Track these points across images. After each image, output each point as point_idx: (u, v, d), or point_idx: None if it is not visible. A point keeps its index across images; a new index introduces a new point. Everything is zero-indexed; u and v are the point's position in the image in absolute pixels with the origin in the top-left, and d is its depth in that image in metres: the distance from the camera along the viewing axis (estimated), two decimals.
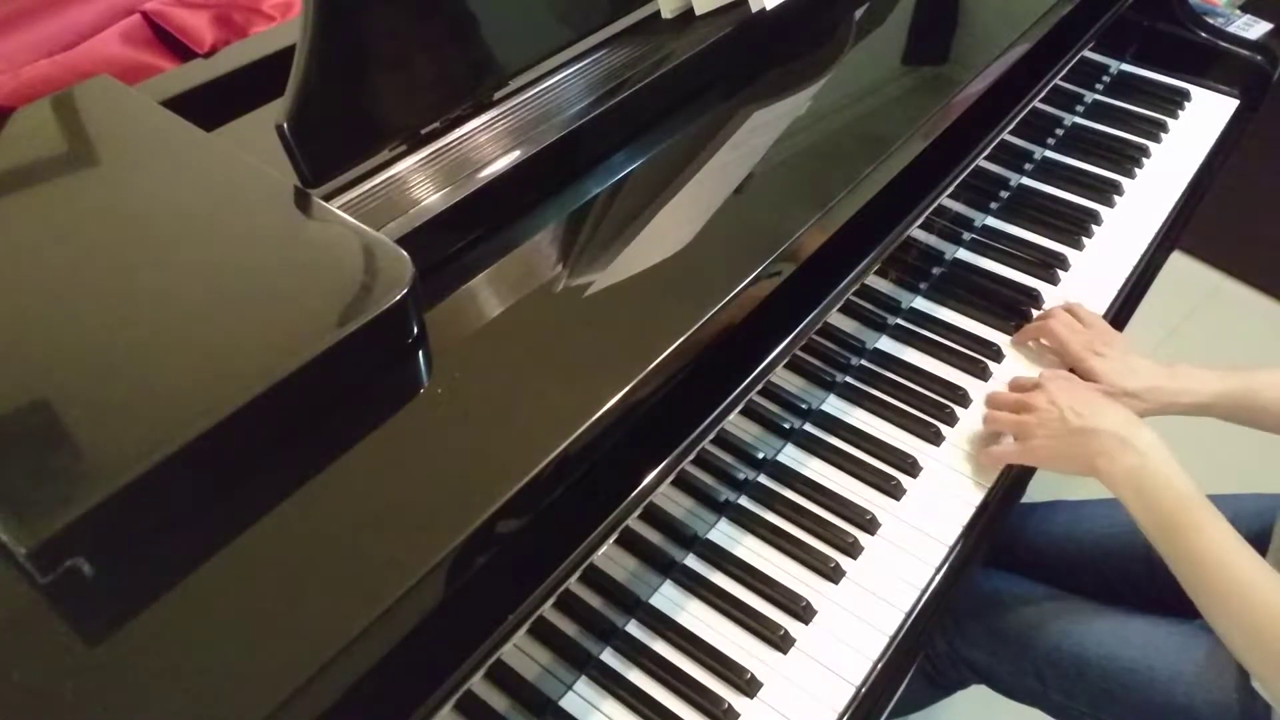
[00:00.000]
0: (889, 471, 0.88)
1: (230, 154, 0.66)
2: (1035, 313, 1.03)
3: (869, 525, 0.84)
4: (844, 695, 0.74)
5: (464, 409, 0.58)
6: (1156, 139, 1.26)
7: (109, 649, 0.46)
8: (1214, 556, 0.73)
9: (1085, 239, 1.13)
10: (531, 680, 0.69)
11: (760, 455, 0.87)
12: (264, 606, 0.48)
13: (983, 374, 0.98)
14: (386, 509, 0.53)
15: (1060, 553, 1.05)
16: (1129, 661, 0.89)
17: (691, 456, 0.70)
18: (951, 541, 0.84)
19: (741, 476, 0.85)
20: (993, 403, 0.92)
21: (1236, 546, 0.73)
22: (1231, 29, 1.47)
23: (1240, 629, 0.73)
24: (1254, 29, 1.66)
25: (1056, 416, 0.83)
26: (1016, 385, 0.93)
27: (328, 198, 0.68)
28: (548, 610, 0.62)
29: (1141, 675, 0.89)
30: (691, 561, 0.81)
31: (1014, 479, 0.90)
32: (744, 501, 0.85)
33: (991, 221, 1.14)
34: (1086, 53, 1.12)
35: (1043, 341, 0.99)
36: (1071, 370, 0.94)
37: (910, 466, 0.89)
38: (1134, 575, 0.99)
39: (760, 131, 0.81)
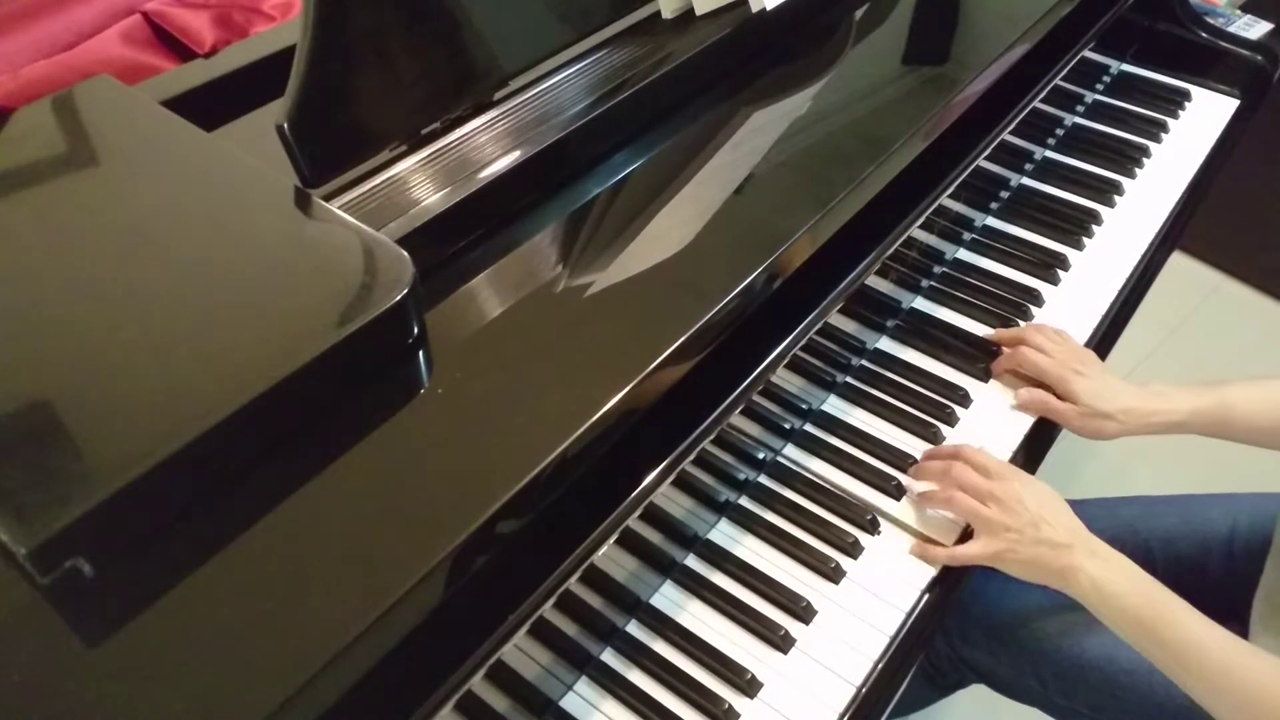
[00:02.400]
0: (889, 472, 0.88)
1: (230, 154, 0.66)
2: (1029, 319, 1.03)
3: (869, 525, 0.84)
4: (844, 695, 0.74)
5: (464, 409, 0.58)
6: (1157, 139, 1.26)
7: (109, 649, 0.46)
8: (1193, 645, 0.74)
9: (1085, 239, 1.13)
10: (531, 680, 0.69)
11: (761, 455, 0.87)
12: (264, 606, 0.48)
13: (983, 374, 0.98)
14: (386, 509, 0.53)
15: None
16: (1128, 663, 0.89)
17: (692, 456, 0.70)
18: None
19: (742, 476, 0.85)
20: (958, 478, 0.83)
21: (1210, 631, 0.74)
22: (1231, 29, 1.47)
23: (1234, 709, 0.73)
24: (1254, 29, 1.66)
25: (1028, 521, 0.79)
26: (972, 462, 0.85)
27: (328, 198, 0.68)
28: (548, 610, 0.62)
29: (1141, 676, 0.89)
30: (692, 561, 0.81)
31: None
32: (744, 501, 0.85)
33: (992, 221, 1.14)
34: (1087, 53, 1.12)
35: (1020, 369, 0.96)
36: (1052, 391, 0.94)
37: (911, 467, 0.89)
38: None
39: (760, 131, 0.81)
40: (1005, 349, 0.98)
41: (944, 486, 0.84)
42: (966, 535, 0.84)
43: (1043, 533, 0.79)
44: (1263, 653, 0.73)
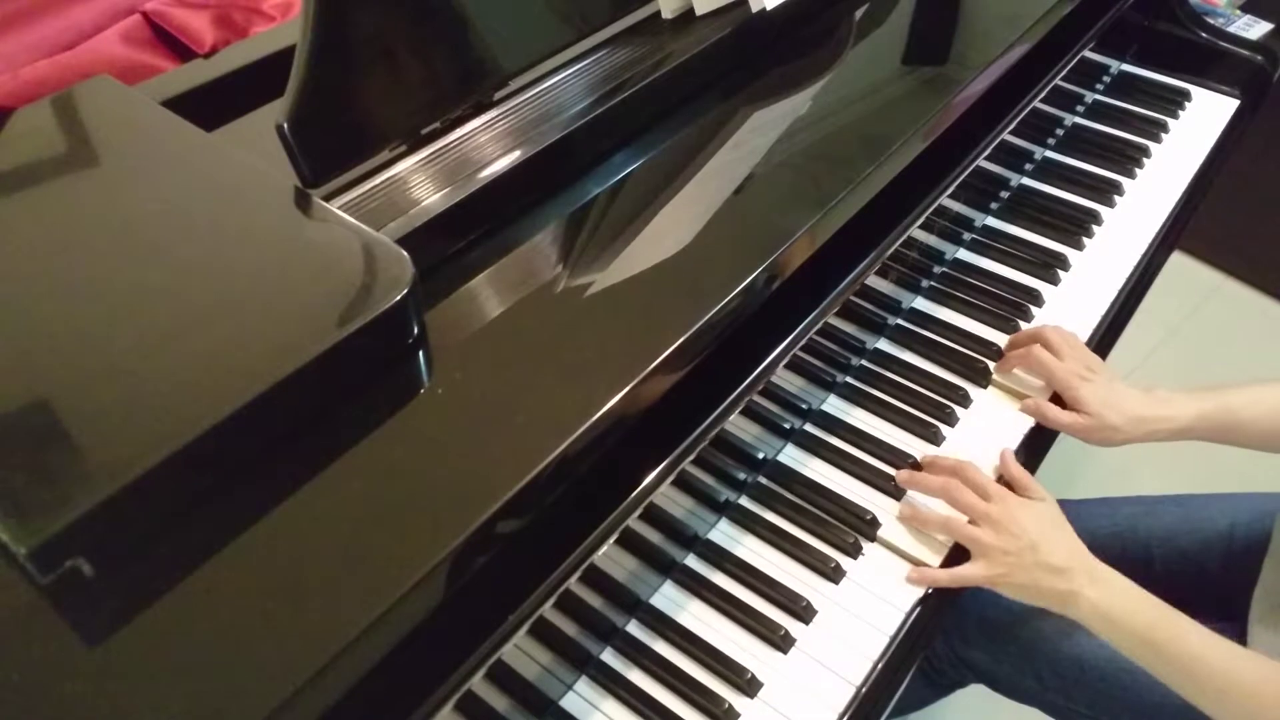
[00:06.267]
0: (889, 471, 0.88)
1: (230, 154, 0.66)
2: (1029, 322, 1.03)
3: (869, 525, 0.84)
4: (844, 695, 0.74)
5: (464, 409, 0.58)
6: (1157, 139, 1.26)
7: (109, 649, 0.46)
8: (1196, 659, 0.74)
9: (1085, 239, 1.13)
10: (531, 680, 0.69)
11: (760, 455, 0.87)
12: (264, 606, 0.48)
13: (983, 375, 0.97)
14: (387, 509, 0.53)
15: None
16: (1128, 662, 0.89)
17: (692, 457, 0.70)
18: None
19: (742, 477, 0.85)
20: (955, 499, 0.83)
21: (1214, 643, 0.75)
22: (1231, 29, 1.47)
23: (1238, 716, 0.74)
24: (1254, 29, 1.66)
25: (1026, 545, 0.79)
26: (970, 482, 0.84)
27: (328, 198, 0.68)
28: (548, 610, 0.62)
29: (1140, 676, 0.88)
30: (692, 561, 0.81)
31: None
32: (744, 501, 0.85)
33: (992, 221, 1.14)
34: (1087, 53, 1.12)
35: (1028, 365, 0.96)
36: (1054, 398, 0.94)
37: (911, 467, 0.89)
38: (1132, 575, 0.99)
39: (760, 131, 0.81)
40: (1016, 348, 0.98)
41: (943, 497, 0.84)
42: (959, 550, 0.84)
43: (1040, 556, 0.79)
44: (1263, 658, 0.73)
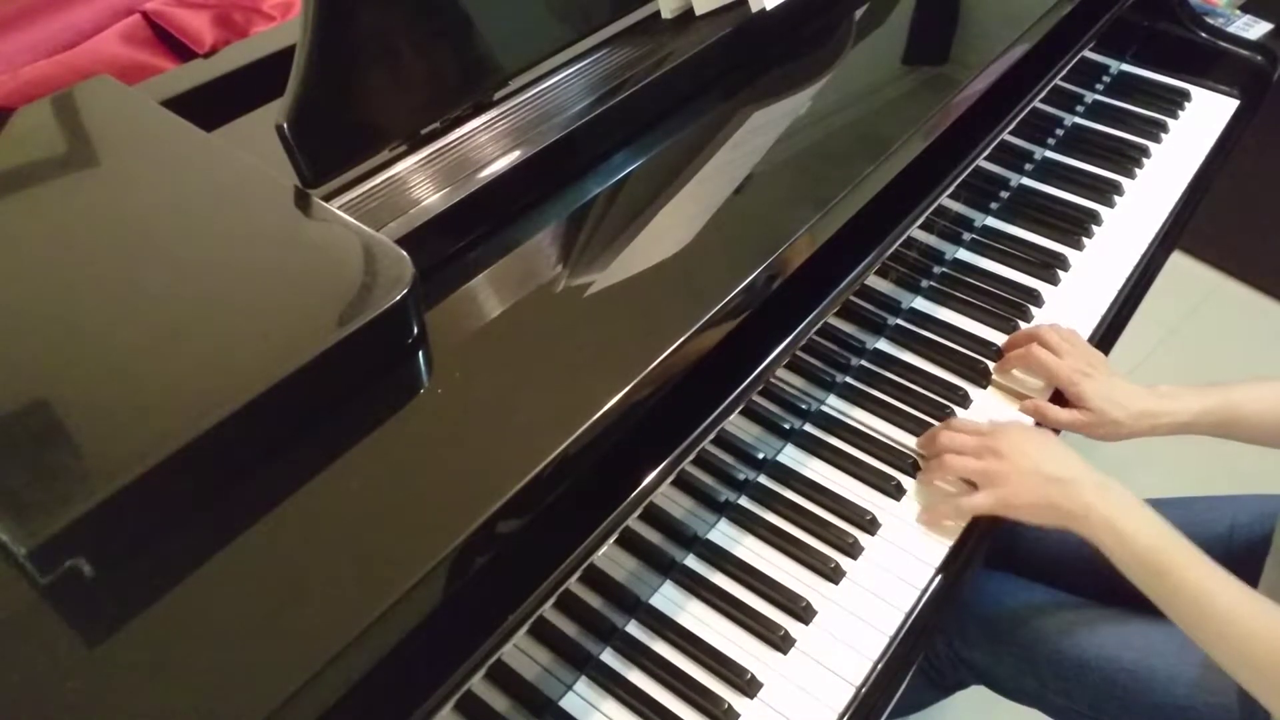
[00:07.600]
0: (889, 471, 0.88)
1: (230, 154, 0.66)
2: (1028, 322, 1.03)
3: (869, 525, 0.84)
4: (844, 695, 0.74)
5: (464, 409, 0.58)
6: (1156, 139, 1.26)
7: (109, 649, 0.46)
8: (1200, 591, 0.74)
9: (1085, 239, 1.13)
10: (531, 680, 0.69)
11: (760, 455, 0.87)
12: (264, 606, 0.48)
13: (983, 375, 0.97)
14: (386, 509, 0.53)
15: (1060, 554, 1.05)
16: (1129, 663, 0.89)
17: (692, 457, 0.70)
18: (952, 542, 0.84)
19: (742, 476, 0.85)
20: (948, 445, 0.86)
21: (1220, 578, 0.74)
22: (1231, 29, 1.47)
23: (1237, 657, 0.74)
24: (1254, 29, 1.66)
25: (1030, 466, 0.81)
26: (960, 429, 0.87)
27: (328, 198, 0.68)
28: (548, 610, 0.62)
29: (1141, 676, 0.89)
30: (691, 561, 0.81)
31: None
32: (744, 502, 0.85)
33: (992, 221, 1.14)
34: (1087, 53, 1.12)
35: (1029, 365, 0.96)
36: (1054, 397, 0.94)
37: (910, 467, 0.89)
38: None
39: (760, 131, 0.81)
40: (1016, 347, 0.98)
41: (936, 455, 0.86)
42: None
43: (1046, 471, 0.80)
44: (1270, 603, 0.73)
